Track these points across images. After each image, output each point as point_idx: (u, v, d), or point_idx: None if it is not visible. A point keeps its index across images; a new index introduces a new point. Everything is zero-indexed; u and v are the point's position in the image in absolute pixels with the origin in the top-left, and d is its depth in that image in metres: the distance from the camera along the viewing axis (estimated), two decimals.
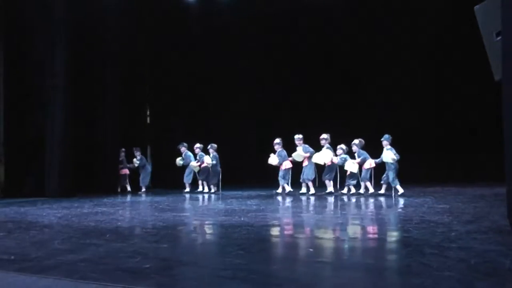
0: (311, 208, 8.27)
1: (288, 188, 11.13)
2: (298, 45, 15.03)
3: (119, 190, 12.43)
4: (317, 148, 10.86)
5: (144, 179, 12.63)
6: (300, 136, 11.07)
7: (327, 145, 10.75)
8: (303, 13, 14.13)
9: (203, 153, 12.22)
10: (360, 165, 10.30)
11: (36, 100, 11.19)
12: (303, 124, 13.57)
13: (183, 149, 12.54)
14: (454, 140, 13.09)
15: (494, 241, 4.38)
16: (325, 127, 11.12)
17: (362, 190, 10.34)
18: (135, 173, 12.83)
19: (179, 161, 12.44)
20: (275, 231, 5.60)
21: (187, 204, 9.22)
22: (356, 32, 14.13)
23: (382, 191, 10.08)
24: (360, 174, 10.36)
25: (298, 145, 11.05)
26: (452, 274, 3.29)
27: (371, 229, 5.71)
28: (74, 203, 9.17)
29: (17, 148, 11.02)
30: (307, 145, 11.00)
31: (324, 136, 10.76)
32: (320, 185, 10.95)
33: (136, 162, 12.58)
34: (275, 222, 6.29)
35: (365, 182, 10.33)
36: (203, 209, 8.43)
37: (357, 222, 6.38)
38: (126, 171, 12.63)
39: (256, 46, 15.42)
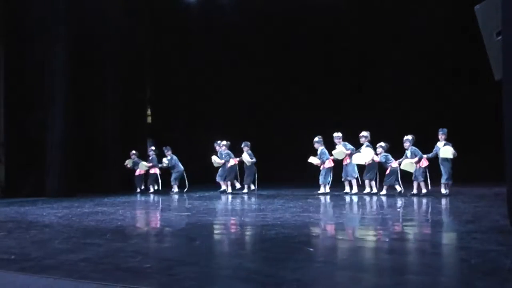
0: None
1: (323, 190, 10.46)
2: (298, 45, 15.02)
3: (139, 189, 12.14)
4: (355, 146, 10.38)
5: (176, 179, 12.06)
6: (339, 134, 10.44)
7: (367, 143, 10.16)
8: (307, 11, 14.12)
9: (229, 151, 11.60)
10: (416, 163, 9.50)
11: (36, 100, 11.18)
12: (305, 124, 13.59)
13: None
14: (454, 140, 13.08)
15: (494, 241, 4.38)
16: (337, 127, 10.72)
17: (415, 191, 9.54)
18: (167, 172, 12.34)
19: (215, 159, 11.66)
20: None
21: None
22: (370, 28, 14.08)
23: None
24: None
25: (338, 143, 10.42)
26: (453, 273, 3.29)
27: (371, 229, 5.71)
28: (74, 202, 9.17)
29: (18, 148, 11.02)
30: (346, 143, 10.42)
31: (364, 133, 10.17)
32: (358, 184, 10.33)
33: (165, 161, 12.05)
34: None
35: (419, 182, 9.52)
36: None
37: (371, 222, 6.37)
38: (155, 170, 12.19)
39: (257, 46, 15.42)
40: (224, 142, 11.68)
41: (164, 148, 12.24)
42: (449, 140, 9.30)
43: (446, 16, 13.17)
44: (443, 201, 8.56)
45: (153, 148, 12.58)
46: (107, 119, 12.40)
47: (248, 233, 5.52)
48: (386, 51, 14.11)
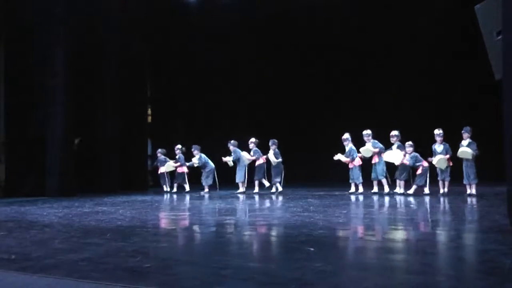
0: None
1: (353, 189, 10.42)
2: (299, 45, 15.03)
3: (165, 188, 12.08)
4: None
5: (207, 178, 11.86)
6: (369, 131, 10.29)
7: (398, 142, 9.95)
8: (307, 10, 14.13)
9: (257, 149, 11.40)
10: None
11: (36, 100, 11.19)
12: (308, 124, 13.60)
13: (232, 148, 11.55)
14: (454, 140, 13.10)
15: (494, 241, 4.38)
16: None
17: (442, 190, 9.47)
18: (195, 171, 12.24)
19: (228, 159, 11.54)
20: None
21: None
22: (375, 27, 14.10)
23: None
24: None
25: (367, 141, 10.30)
26: (453, 273, 3.29)
27: (371, 228, 5.71)
28: (74, 202, 9.17)
29: (18, 148, 11.03)
30: (376, 141, 10.28)
31: (394, 133, 9.99)
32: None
33: (195, 161, 11.87)
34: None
35: (446, 181, 9.49)
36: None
37: (367, 221, 6.37)
38: (183, 169, 12.05)
39: (257, 45, 15.42)
40: (253, 139, 11.41)
41: (192, 147, 12.01)
42: (471, 139, 9.18)
43: (446, 15, 13.18)
44: (444, 200, 8.56)
45: (179, 146, 12.34)
46: (107, 119, 12.40)
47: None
48: (391, 50, 14.12)
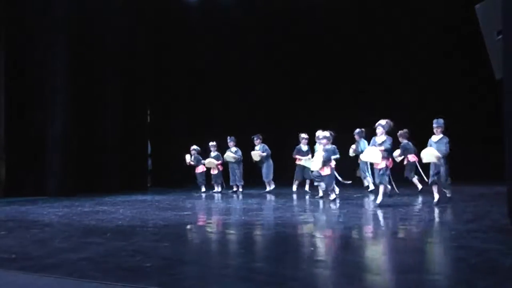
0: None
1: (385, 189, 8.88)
2: (298, 45, 15.02)
3: (203, 188, 11.45)
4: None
5: (268, 174, 11.09)
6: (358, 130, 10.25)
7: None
8: (306, 9, 14.12)
9: (264, 145, 11.04)
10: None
11: (36, 100, 11.18)
12: (308, 123, 13.55)
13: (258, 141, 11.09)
14: (455, 139, 13.09)
15: (494, 240, 4.38)
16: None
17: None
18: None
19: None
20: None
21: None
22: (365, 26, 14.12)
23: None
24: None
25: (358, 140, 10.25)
26: (453, 273, 3.29)
27: (371, 228, 5.72)
28: (75, 202, 9.17)
29: (18, 148, 11.02)
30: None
31: (357, 130, 10.10)
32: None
33: (236, 155, 11.16)
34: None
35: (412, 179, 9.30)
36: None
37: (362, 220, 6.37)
38: (220, 168, 11.37)
39: (257, 45, 15.41)
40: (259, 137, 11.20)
41: (228, 138, 11.45)
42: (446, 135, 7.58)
43: (447, 15, 13.18)
44: (443, 200, 8.55)
45: (214, 143, 11.65)
46: (107, 119, 12.39)
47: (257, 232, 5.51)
48: (387, 50, 14.12)
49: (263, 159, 10.97)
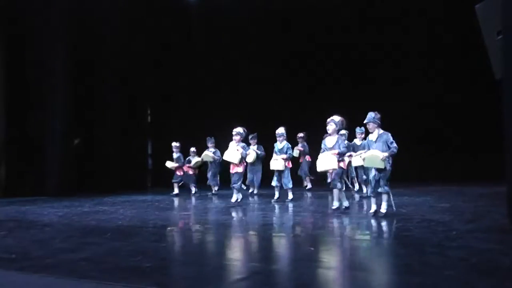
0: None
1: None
2: (299, 44, 15.02)
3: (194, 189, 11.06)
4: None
5: (303, 169, 11.13)
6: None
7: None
8: (304, 10, 14.12)
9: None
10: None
11: (36, 99, 11.18)
12: (309, 123, 13.53)
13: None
14: (455, 139, 13.09)
15: (494, 240, 4.38)
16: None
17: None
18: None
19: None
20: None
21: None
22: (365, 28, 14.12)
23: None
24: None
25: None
26: (453, 273, 3.29)
27: (371, 228, 5.71)
28: (74, 202, 9.16)
29: (18, 147, 11.03)
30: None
31: (300, 134, 10.72)
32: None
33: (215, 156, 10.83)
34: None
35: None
36: None
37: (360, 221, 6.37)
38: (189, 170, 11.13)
39: (257, 45, 15.41)
40: (301, 134, 11.28)
41: (208, 138, 11.17)
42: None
43: (447, 14, 13.17)
44: (443, 200, 8.55)
45: (177, 144, 11.39)
46: (107, 119, 12.40)
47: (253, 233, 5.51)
48: (385, 49, 14.12)
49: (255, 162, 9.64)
